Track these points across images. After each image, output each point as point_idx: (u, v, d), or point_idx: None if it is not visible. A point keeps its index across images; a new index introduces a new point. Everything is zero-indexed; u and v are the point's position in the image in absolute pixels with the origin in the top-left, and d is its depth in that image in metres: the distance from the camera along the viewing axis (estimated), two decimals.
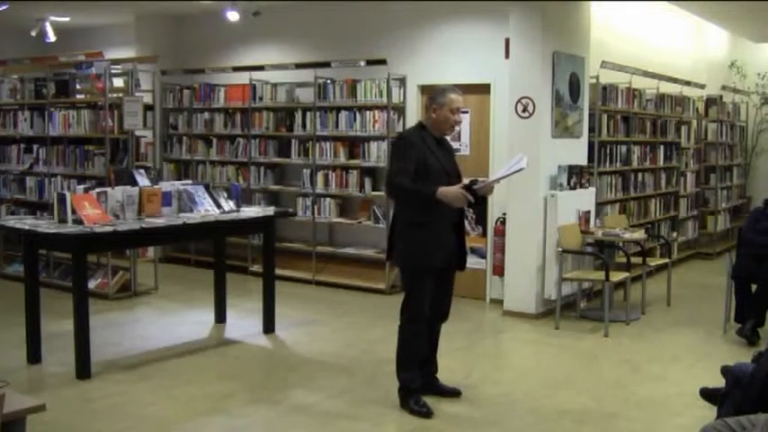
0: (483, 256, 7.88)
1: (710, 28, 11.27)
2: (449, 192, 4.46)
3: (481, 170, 7.43)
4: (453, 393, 4.98)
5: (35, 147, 8.62)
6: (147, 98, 8.39)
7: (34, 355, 5.64)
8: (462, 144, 7.93)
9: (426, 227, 4.61)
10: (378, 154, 8.27)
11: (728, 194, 11.66)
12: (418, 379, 4.79)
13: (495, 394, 4.94)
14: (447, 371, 5.09)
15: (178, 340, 6.35)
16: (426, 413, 4.66)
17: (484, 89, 7.84)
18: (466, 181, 4.75)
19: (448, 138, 4.90)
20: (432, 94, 4.80)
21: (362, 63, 8.34)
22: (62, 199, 5.49)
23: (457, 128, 4.91)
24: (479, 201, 4.79)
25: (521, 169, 4.58)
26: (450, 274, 4.87)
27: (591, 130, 7.94)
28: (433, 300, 4.79)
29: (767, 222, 6.67)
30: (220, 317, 6.90)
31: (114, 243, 6.01)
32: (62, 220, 5.46)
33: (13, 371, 5.39)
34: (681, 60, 10.61)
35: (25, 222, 5.73)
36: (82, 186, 6.12)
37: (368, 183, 8.40)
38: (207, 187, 6.38)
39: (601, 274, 6.85)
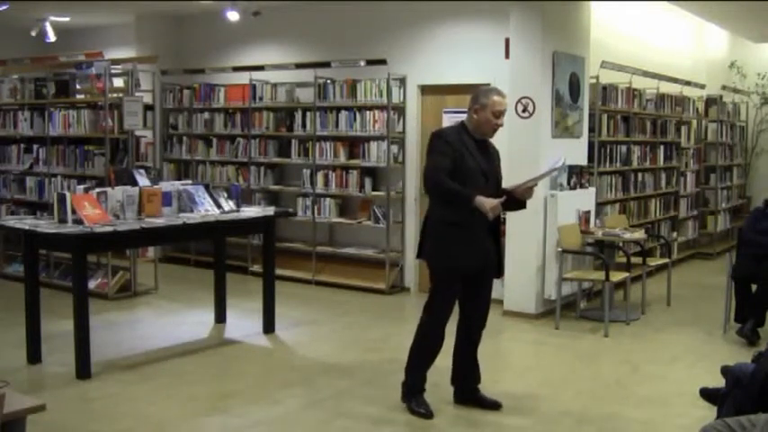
0: None
1: (710, 28, 11.27)
2: (486, 202, 4.29)
3: None
4: (494, 406, 4.82)
5: (35, 147, 8.62)
6: (147, 98, 8.39)
7: (34, 355, 5.64)
8: None
9: (459, 227, 4.47)
10: (378, 154, 8.27)
11: (728, 194, 11.66)
12: (423, 381, 4.75)
13: (495, 394, 4.93)
14: (446, 370, 5.08)
15: (178, 340, 6.35)
16: (426, 413, 4.65)
17: None
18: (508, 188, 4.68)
19: (492, 140, 4.72)
20: (475, 93, 4.61)
21: (362, 63, 8.34)
22: (62, 199, 5.49)
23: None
24: (520, 205, 4.68)
25: (557, 168, 4.51)
26: (487, 279, 4.73)
27: (591, 130, 7.94)
28: (470, 306, 4.72)
29: (767, 222, 6.68)
30: (220, 317, 6.90)
31: (114, 243, 6.02)
32: (62, 220, 5.46)
33: (13, 371, 5.39)
34: (681, 60, 10.61)
35: (25, 222, 5.73)
36: (82, 186, 6.12)
37: (368, 183, 8.40)
38: (207, 187, 6.38)
39: (601, 274, 6.85)
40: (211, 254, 7.31)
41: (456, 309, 4.75)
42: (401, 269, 8.42)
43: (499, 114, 4.54)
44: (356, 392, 5.14)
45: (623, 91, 8.69)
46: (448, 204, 4.48)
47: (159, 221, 5.73)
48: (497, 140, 7.62)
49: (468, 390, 4.89)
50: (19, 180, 8.88)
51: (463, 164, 4.44)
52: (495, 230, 4.67)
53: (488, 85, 7.74)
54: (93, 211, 5.46)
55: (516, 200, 4.60)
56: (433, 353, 4.72)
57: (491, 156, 4.67)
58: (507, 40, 7.32)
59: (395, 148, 8.29)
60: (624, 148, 8.75)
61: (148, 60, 8.77)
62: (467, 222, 4.46)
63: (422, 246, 4.70)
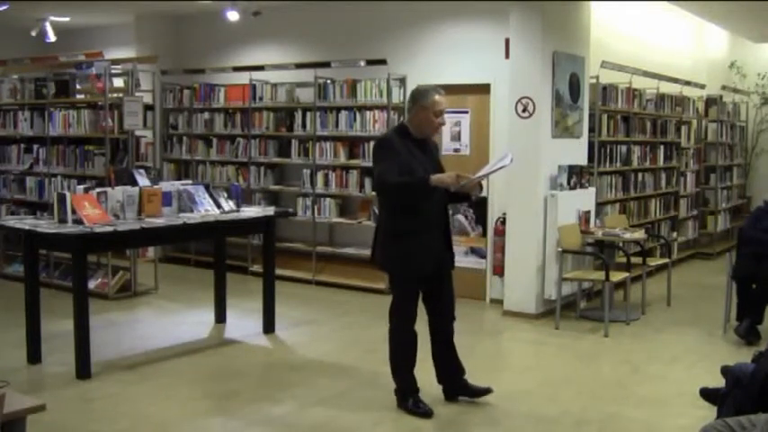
0: (483, 256, 7.88)
1: (710, 28, 11.27)
2: (443, 176, 4.40)
3: None
4: (486, 392, 4.88)
5: (35, 147, 8.62)
6: (147, 98, 8.39)
7: (34, 355, 5.64)
8: (462, 144, 7.94)
9: (410, 235, 4.54)
10: None
11: (728, 194, 11.66)
12: (413, 381, 4.77)
13: (495, 394, 4.93)
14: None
15: (178, 340, 6.35)
16: (425, 413, 4.65)
17: (484, 89, 7.84)
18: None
19: (433, 137, 4.82)
20: (414, 94, 4.63)
21: (362, 63, 8.34)
22: (62, 199, 5.49)
23: (442, 128, 4.82)
24: (464, 198, 4.76)
25: (504, 166, 4.55)
26: (444, 276, 4.78)
27: (591, 130, 7.94)
28: (435, 304, 4.77)
29: None
30: (220, 317, 6.90)
31: (114, 243, 6.02)
32: (62, 220, 5.47)
33: (13, 371, 5.39)
34: (681, 60, 10.61)
35: (25, 222, 5.74)
36: (82, 186, 6.11)
37: (368, 183, 8.38)
38: (207, 187, 6.38)
39: (601, 274, 6.85)
40: (211, 254, 7.31)
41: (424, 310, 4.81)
42: None
43: (439, 114, 4.57)
44: (356, 393, 5.14)
45: (623, 91, 8.69)
46: (405, 202, 4.52)
47: (159, 221, 5.73)
48: (499, 141, 7.69)
49: (455, 383, 4.92)
50: (19, 180, 8.88)
51: (410, 167, 4.48)
52: (446, 232, 4.75)
53: (488, 85, 7.81)
54: (93, 211, 5.46)
55: (463, 194, 4.65)
56: (411, 352, 4.75)
57: (431, 152, 4.72)
58: (507, 40, 7.32)
59: None
60: (624, 148, 8.75)
61: (148, 60, 8.77)
62: (419, 230, 4.53)
63: (374, 252, 4.77)
